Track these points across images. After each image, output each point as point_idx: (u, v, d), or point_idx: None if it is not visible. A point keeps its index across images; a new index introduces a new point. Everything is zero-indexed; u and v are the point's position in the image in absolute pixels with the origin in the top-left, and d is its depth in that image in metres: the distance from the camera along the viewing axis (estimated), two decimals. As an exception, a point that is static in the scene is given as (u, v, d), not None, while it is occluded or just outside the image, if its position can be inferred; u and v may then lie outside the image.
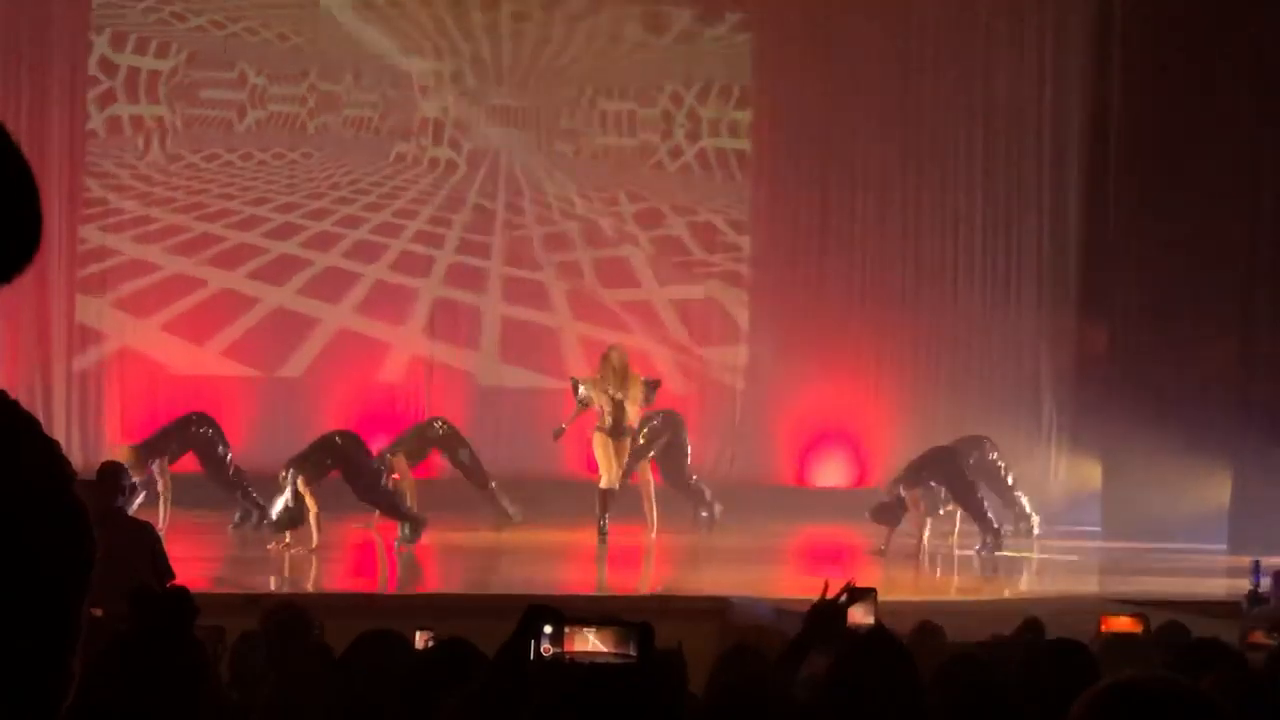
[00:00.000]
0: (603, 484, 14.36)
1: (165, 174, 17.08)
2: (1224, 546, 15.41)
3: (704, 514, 15.82)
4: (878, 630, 5.49)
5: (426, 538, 13.56)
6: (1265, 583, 10.22)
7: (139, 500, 8.50)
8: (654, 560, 14.13)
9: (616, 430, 14.36)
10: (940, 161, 18.48)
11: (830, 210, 18.37)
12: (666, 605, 10.39)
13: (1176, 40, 16.82)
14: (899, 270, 18.47)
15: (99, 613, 7.41)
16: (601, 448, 14.41)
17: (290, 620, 6.35)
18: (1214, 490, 16.26)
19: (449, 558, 13.48)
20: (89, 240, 16.68)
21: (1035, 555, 15.25)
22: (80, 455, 16.11)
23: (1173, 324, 16.79)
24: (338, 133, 17.49)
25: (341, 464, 13.42)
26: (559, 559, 14.07)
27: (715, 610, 10.69)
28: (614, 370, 14.40)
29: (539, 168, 17.94)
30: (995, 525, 14.63)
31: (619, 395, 14.31)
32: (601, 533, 14.23)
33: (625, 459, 14.49)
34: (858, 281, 18.42)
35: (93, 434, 16.48)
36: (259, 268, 17.18)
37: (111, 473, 8.54)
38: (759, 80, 18.42)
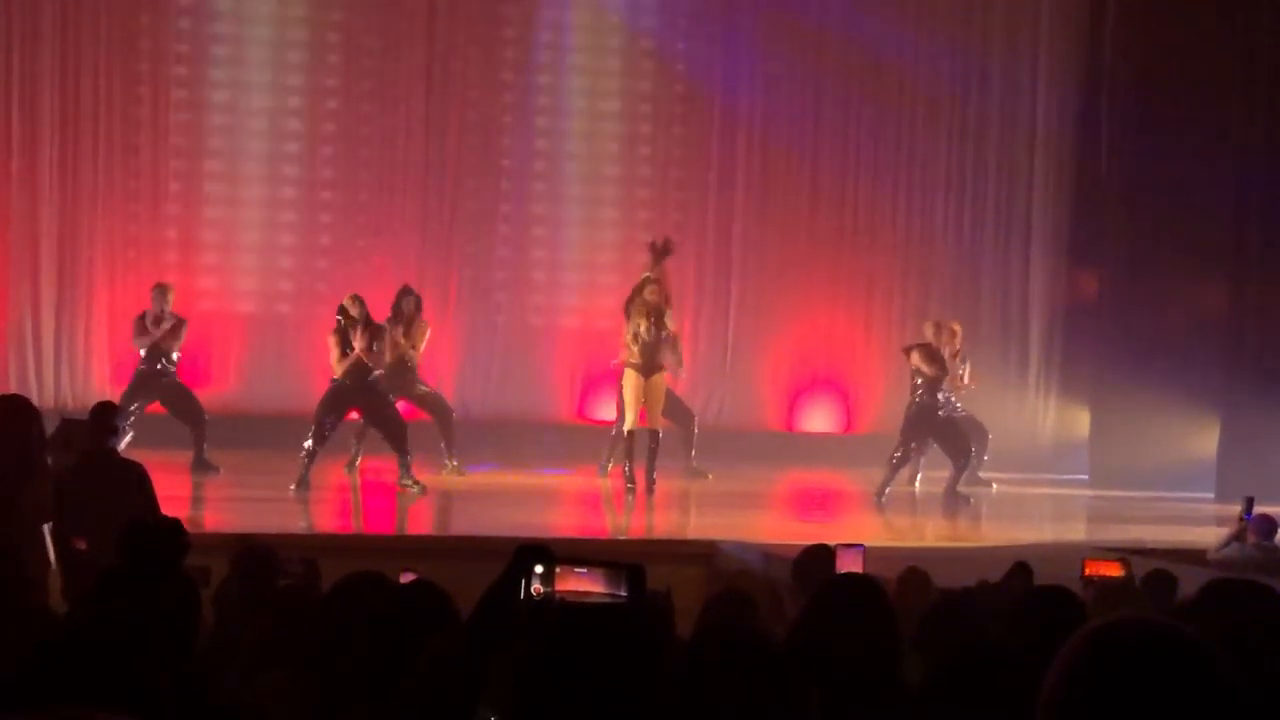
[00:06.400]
0: (626, 425, 13.69)
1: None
2: (1211, 495, 15.46)
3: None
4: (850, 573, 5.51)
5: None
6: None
7: (127, 439, 8.49)
8: (649, 506, 13.61)
9: (648, 367, 13.46)
10: (933, 107, 18.41)
11: (821, 157, 18.30)
12: (655, 549, 10.42)
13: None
14: (889, 217, 18.43)
15: (83, 545, 7.45)
16: (631, 387, 13.51)
17: (256, 562, 6.38)
18: (1202, 439, 16.31)
19: (436, 500, 13.45)
20: (81, 175, 16.52)
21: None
22: (70, 395, 16.10)
23: (1162, 272, 16.81)
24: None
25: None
26: (548, 503, 14.08)
27: (703, 555, 10.73)
28: (646, 303, 13.39)
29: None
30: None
31: (647, 326, 13.33)
32: (629, 479, 13.63)
33: (658, 399, 13.60)
34: (848, 229, 18.37)
35: (82, 374, 16.43)
36: (245, 198, 17.04)
37: (103, 412, 8.57)
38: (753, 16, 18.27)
